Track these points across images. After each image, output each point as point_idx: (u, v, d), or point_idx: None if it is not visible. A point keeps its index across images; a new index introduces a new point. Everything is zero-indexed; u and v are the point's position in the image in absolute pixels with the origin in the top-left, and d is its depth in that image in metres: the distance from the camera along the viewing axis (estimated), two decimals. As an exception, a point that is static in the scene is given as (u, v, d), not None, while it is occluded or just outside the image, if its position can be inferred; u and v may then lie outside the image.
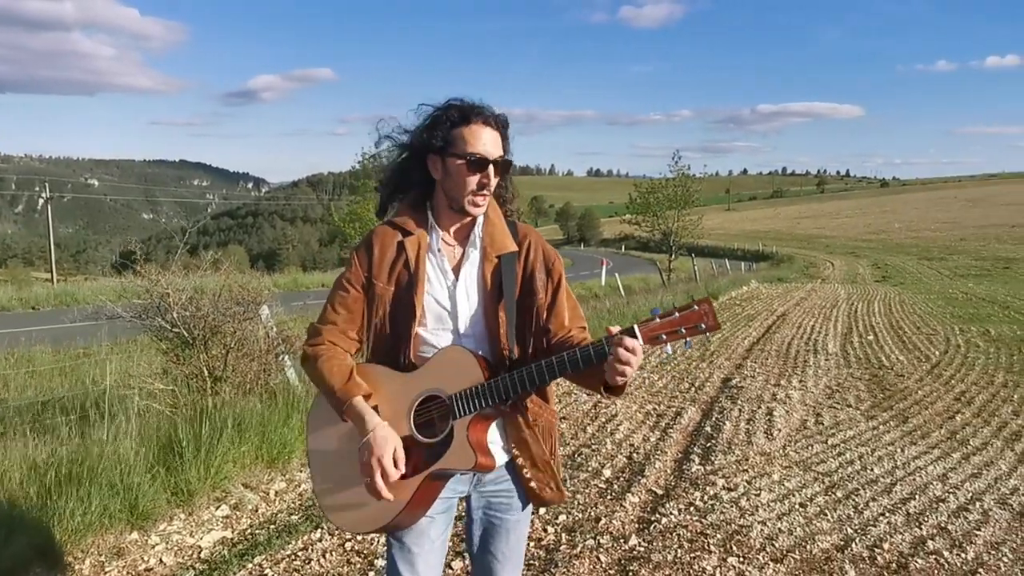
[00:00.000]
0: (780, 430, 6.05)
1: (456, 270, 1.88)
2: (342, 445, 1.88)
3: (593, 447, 5.51)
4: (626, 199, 34.85)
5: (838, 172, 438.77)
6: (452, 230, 1.90)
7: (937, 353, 10.39)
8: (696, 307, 1.65)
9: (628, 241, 68.72)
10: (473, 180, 1.79)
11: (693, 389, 7.72)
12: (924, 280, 29.78)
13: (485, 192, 1.81)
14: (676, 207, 31.50)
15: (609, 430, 5.99)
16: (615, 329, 1.64)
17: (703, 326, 1.64)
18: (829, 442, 5.74)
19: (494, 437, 1.87)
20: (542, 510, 4.11)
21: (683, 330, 1.64)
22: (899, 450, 5.53)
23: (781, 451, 5.48)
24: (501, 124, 1.84)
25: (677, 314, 1.65)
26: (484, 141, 1.79)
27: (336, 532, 3.90)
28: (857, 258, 48.05)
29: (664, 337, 1.65)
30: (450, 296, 1.86)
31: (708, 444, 5.63)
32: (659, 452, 5.41)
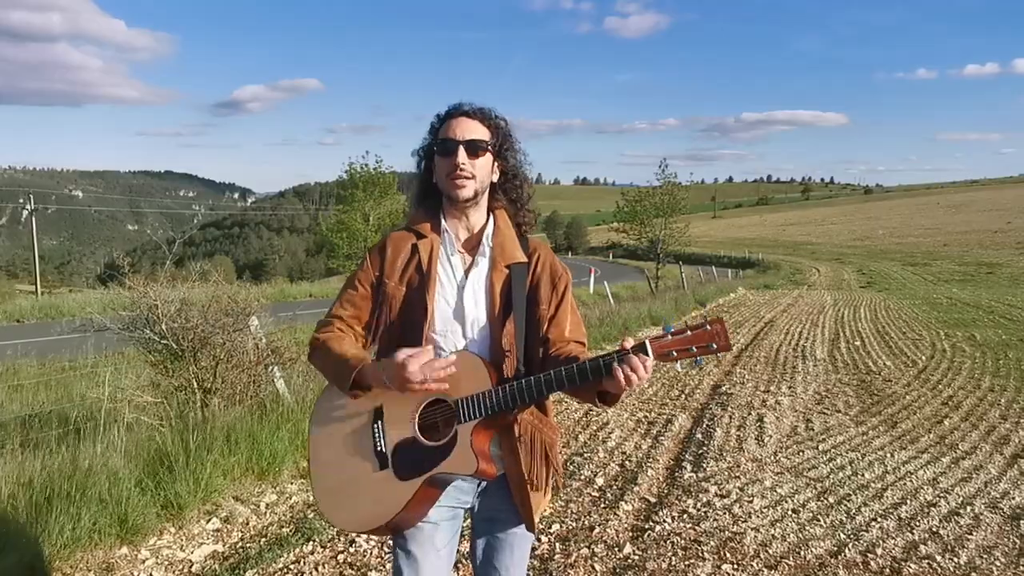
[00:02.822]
0: (771, 436, 6.07)
1: (465, 275, 1.91)
2: (342, 443, 1.88)
3: (585, 455, 5.50)
4: (613, 207, 34.96)
5: (822, 179, 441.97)
6: (463, 238, 1.94)
7: (924, 358, 10.46)
8: (708, 326, 1.65)
9: (616, 249, 68.89)
10: (445, 163, 1.86)
11: (683, 396, 7.73)
12: (908, 286, 30.04)
13: (459, 174, 1.85)
14: (663, 215, 31.65)
15: (601, 438, 5.99)
16: (628, 344, 1.65)
17: (714, 346, 1.64)
18: (820, 448, 5.76)
19: (492, 449, 1.87)
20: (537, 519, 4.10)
21: (694, 348, 1.65)
22: (889, 455, 5.56)
23: (772, 457, 5.49)
24: (477, 113, 1.90)
25: (689, 332, 1.65)
26: (454, 128, 1.87)
27: (328, 544, 3.87)
28: (842, 264, 48.41)
29: (675, 354, 1.66)
30: (460, 301, 1.89)
31: (700, 451, 5.64)
32: (651, 460, 5.41)
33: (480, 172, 1.87)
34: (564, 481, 4.92)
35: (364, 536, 3.86)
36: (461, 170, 1.84)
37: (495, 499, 1.94)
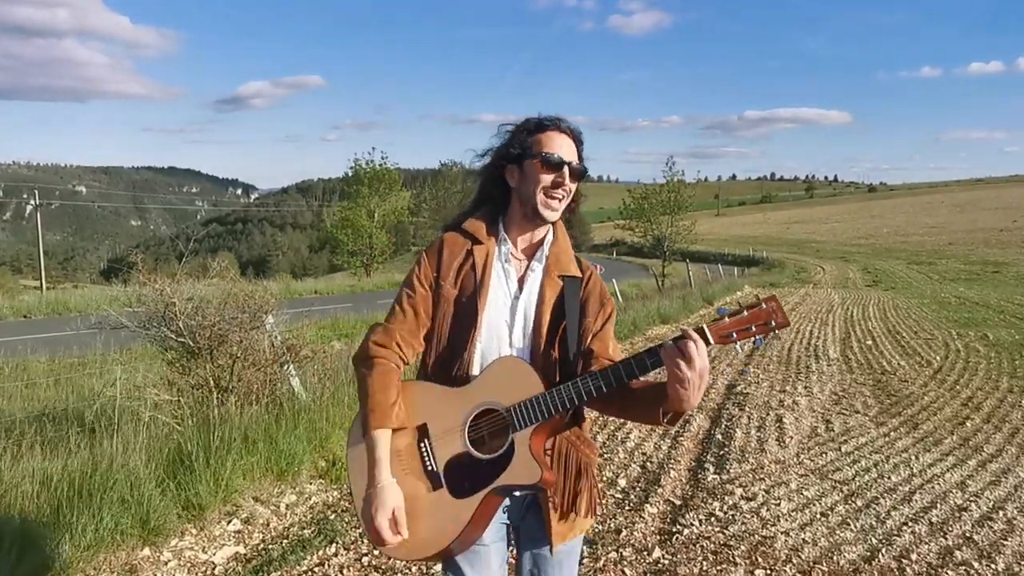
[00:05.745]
0: (792, 437, 6.00)
1: (520, 284, 1.86)
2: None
3: (606, 456, 5.44)
4: (616, 204, 34.89)
5: (826, 177, 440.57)
6: (521, 246, 1.90)
7: (938, 358, 10.38)
8: (764, 304, 1.61)
9: (619, 247, 68.82)
10: (547, 178, 1.80)
11: (699, 396, 7.65)
12: (915, 284, 29.88)
13: (558, 193, 1.81)
14: (669, 212, 31.55)
15: (620, 439, 5.92)
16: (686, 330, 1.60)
17: (773, 323, 1.60)
18: (842, 449, 5.69)
19: None
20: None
21: (753, 327, 1.61)
22: (914, 457, 5.49)
23: (795, 459, 5.42)
24: (576, 135, 1.87)
25: (746, 312, 1.62)
26: (559, 144, 1.82)
27: (351, 546, 3.81)
28: (847, 263, 48.18)
29: (735, 335, 1.61)
30: (511, 308, 1.84)
31: (721, 452, 5.57)
32: (672, 461, 5.34)
33: (570, 196, 1.86)
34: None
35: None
36: (564, 189, 1.82)
37: (542, 515, 1.86)
